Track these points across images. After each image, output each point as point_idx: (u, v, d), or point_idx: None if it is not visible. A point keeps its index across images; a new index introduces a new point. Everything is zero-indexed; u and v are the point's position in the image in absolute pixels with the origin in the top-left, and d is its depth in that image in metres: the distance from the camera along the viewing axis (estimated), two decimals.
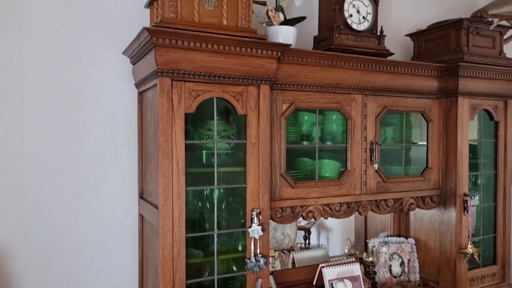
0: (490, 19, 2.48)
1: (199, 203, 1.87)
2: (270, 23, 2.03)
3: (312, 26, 2.30)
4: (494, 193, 2.56)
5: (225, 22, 1.71)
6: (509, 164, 2.55)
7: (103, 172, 2.04)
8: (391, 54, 2.22)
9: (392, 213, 2.62)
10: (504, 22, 2.56)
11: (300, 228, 2.60)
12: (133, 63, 1.97)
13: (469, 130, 2.37)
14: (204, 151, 1.83)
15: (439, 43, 2.48)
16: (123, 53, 1.98)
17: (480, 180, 2.58)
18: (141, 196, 2.04)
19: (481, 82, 2.37)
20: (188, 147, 1.68)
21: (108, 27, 2.03)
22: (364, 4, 2.17)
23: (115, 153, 2.06)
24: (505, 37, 2.54)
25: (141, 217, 2.05)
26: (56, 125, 1.95)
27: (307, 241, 2.63)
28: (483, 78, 2.37)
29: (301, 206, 1.98)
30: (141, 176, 2.04)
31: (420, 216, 2.56)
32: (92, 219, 2.03)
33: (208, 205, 1.85)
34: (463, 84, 2.30)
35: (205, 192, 1.86)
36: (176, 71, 1.61)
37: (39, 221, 1.94)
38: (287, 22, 2.05)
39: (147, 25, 1.95)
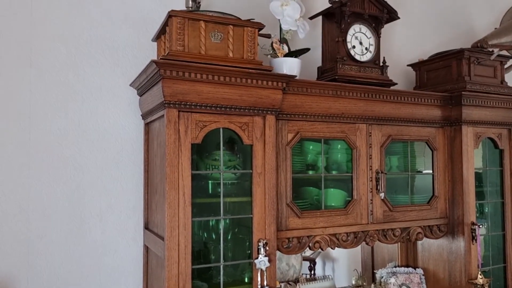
0: (491, 49, 2.52)
1: (205, 234, 1.85)
2: (275, 55, 2.06)
3: (315, 57, 2.34)
4: (502, 221, 2.53)
5: (231, 55, 1.74)
6: None
7: (108, 203, 2.04)
8: (394, 84, 2.25)
9: (399, 243, 2.58)
10: (505, 52, 2.60)
11: (305, 259, 2.56)
12: (140, 94, 1.99)
13: (474, 158, 2.37)
14: (210, 181, 1.83)
15: (441, 73, 2.51)
16: (131, 84, 2.02)
17: (487, 208, 2.55)
18: (146, 227, 2.03)
19: (484, 111, 2.39)
20: (194, 177, 1.69)
21: (116, 59, 2.07)
22: (367, 36, 2.21)
23: (121, 184, 2.06)
24: (506, 66, 2.58)
25: (146, 249, 2.03)
26: (61, 155, 1.96)
27: (312, 272, 2.59)
28: (486, 106, 2.39)
29: (307, 237, 1.96)
30: (147, 207, 2.03)
31: (428, 246, 2.53)
32: (96, 251, 2.01)
33: (214, 236, 1.83)
34: (467, 113, 2.32)
35: (210, 223, 1.85)
36: (183, 103, 1.64)
37: (43, 253, 1.92)
38: (291, 53, 2.09)
39: (154, 57, 2.00)
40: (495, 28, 2.84)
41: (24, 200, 1.90)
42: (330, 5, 2.16)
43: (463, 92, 2.28)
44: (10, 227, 1.87)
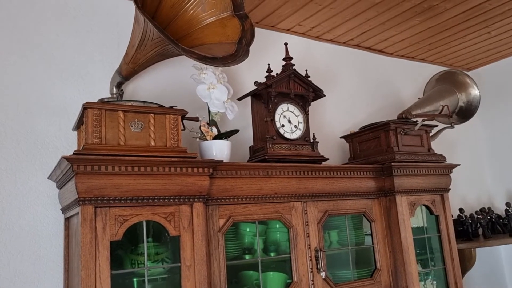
0: (415, 119, 2.64)
1: None
2: (204, 138, 2.03)
3: (248, 136, 2.34)
4: None
5: (153, 143, 1.69)
6: (456, 258, 2.54)
7: None
8: (326, 159, 2.27)
9: None
10: (433, 121, 2.72)
11: None
12: (59, 187, 1.87)
13: (411, 226, 2.38)
14: (135, 279, 1.69)
15: (371, 144, 2.57)
16: (49, 178, 1.89)
17: (431, 276, 2.53)
18: None
19: (415, 179, 2.44)
20: (115, 277, 1.55)
21: (34, 150, 1.94)
22: (295, 114, 2.24)
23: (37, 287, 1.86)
24: (431, 134, 2.69)
25: None
26: None
27: None
28: (417, 175, 2.44)
29: None
30: None
31: None
32: None
33: None
34: (398, 183, 2.35)
35: None
36: (99, 198, 1.53)
37: None
38: (221, 135, 2.07)
39: (75, 147, 1.90)
40: (419, 98, 3.00)
41: None
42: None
43: (392, 163, 2.33)
44: None
